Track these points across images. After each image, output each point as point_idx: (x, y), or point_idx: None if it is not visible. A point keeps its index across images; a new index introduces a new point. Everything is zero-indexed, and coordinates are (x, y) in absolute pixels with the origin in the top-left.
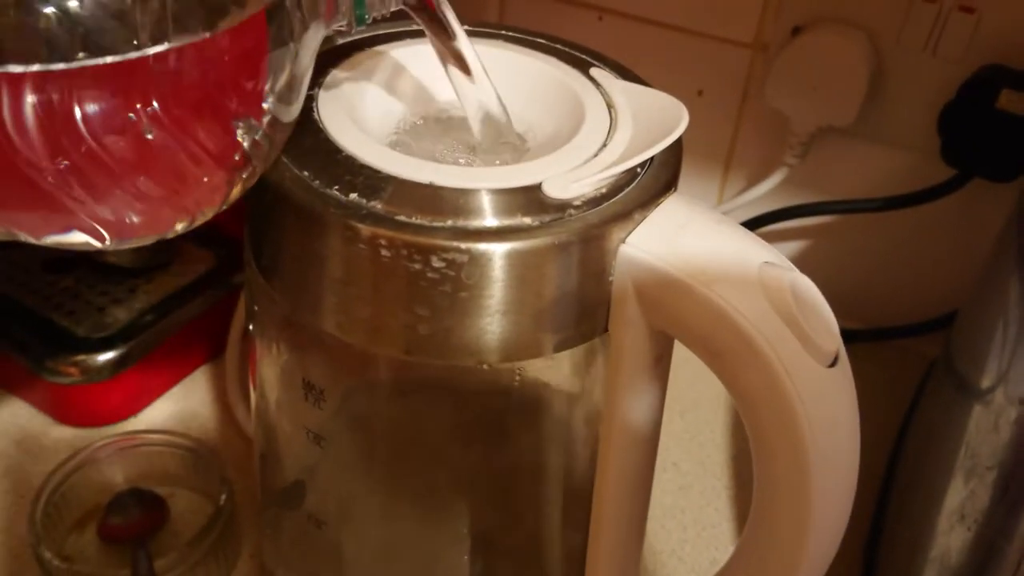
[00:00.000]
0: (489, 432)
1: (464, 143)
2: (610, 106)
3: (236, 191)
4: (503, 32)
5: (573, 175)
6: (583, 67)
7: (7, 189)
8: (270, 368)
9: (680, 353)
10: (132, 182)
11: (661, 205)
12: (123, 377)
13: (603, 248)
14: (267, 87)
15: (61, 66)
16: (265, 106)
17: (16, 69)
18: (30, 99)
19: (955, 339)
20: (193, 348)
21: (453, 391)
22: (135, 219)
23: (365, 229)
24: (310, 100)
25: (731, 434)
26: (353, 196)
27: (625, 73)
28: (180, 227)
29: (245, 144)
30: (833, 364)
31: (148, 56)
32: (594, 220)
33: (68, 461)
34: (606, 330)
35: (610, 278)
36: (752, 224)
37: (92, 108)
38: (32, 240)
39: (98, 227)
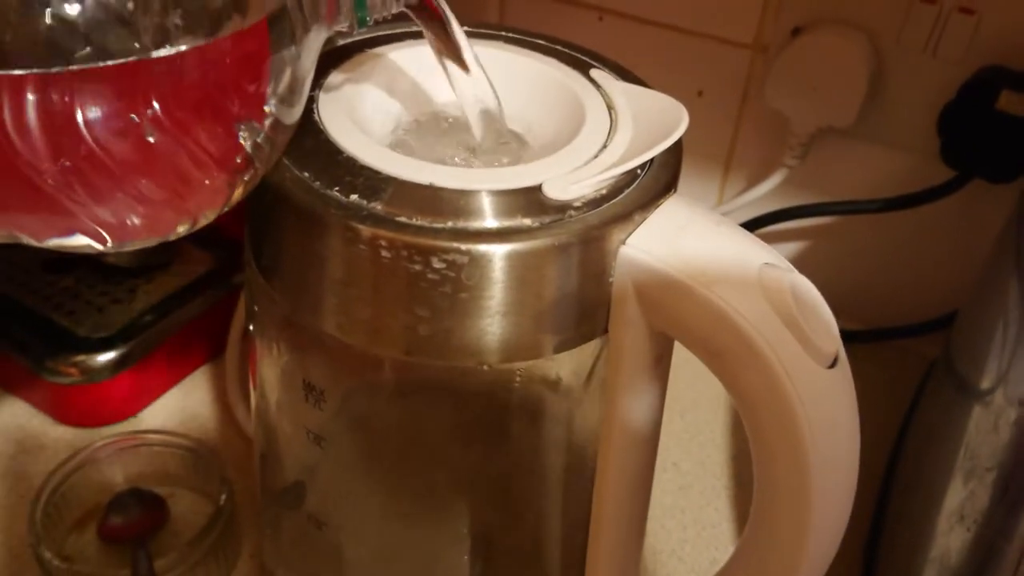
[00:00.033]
0: (489, 433)
1: (464, 144)
2: (610, 107)
3: (238, 193)
4: (503, 33)
5: (573, 176)
6: (583, 68)
7: (8, 192)
8: (270, 369)
9: (680, 353)
10: (134, 184)
11: (661, 206)
12: (123, 377)
13: (603, 249)
14: (269, 89)
15: (63, 70)
16: (267, 108)
17: (18, 72)
18: (31, 100)
19: (955, 340)
20: (193, 348)
21: (453, 392)
22: (136, 221)
23: (365, 230)
24: (311, 101)
25: (731, 434)
26: (354, 197)
27: (625, 74)
28: (182, 229)
29: (247, 146)
30: (833, 365)
31: (150, 59)
32: (594, 221)
33: (68, 461)
34: (606, 331)
35: (610, 279)
36: (752, 225)
37: (93, 110)
38: (34, 243)
39: (100, 230)
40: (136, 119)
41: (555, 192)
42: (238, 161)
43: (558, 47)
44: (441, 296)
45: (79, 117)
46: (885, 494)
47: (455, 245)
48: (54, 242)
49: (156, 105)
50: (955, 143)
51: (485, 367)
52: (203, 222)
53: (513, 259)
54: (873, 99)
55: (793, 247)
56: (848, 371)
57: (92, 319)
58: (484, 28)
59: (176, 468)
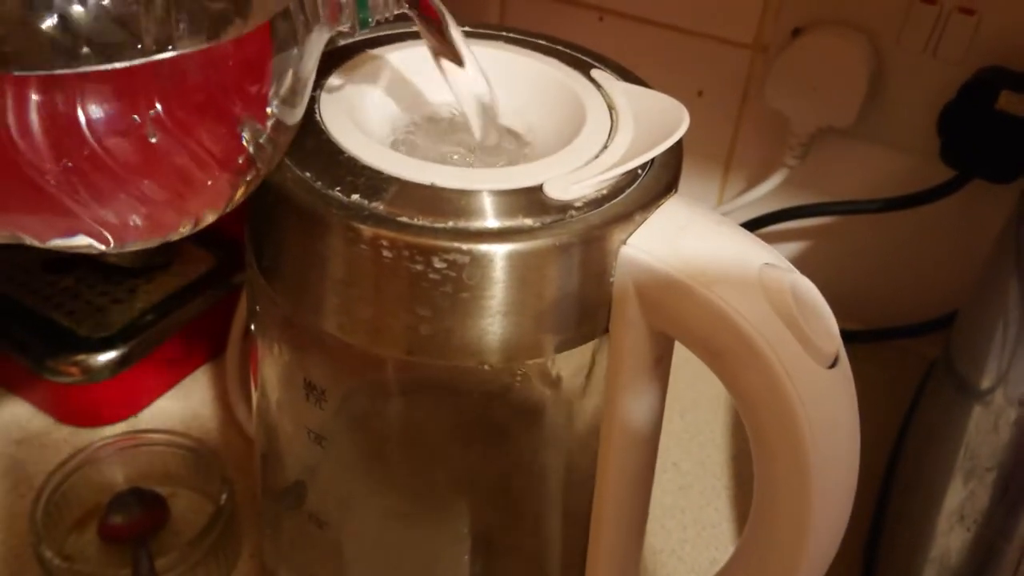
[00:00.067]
0: (490, 432)
1: (465, 144)
2: (611, 108)
3: (240, 194)
4: (504, 33)
5: (574, 176)
6: (584, 68)
7: (11, 192)
8: (271, 368)
9: (680, 353)
10: (136, 185)
11: (662, 206)
12: (124, 377)
13: (604, 249)
14: (271, 90)
15: (66, 72)
16: (269, 109)
17: (21, 73)
18: (34, 101)
19: (955, 340)
20: (193, 348)
21: (454, 392)
22: (139, 222)
23: (367, 230)
24: (312, 102)
25: (731, 434)
26: (355, 197)
27: (626, 74)
28: (184, 229)
29: (249, 147)
30: (833, 365)
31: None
32: (595, 221)
33: (69, 460)
34: (607, 331)
35: (611, 279)
36: (752, 225)
37: (96, 111)
38: (36, 243)
39: (102, 230)
40: (138, 120)
41: (556, 192)
42: (240, 162)
43: (559, 47)
44: (442, 296)
45: (82, 118)
46: (885, 494)
47: (456, 245)
48: (56, 242)
49: (159, 106)
50: (955, 143)
51: (486, 367)
52: (205, 222)
53: (514, 259)
54: (873, 99)
55: (793, 247)
56: (848, 371)
57: (93, 319)
58: (485, 28)
59: (177, 468)
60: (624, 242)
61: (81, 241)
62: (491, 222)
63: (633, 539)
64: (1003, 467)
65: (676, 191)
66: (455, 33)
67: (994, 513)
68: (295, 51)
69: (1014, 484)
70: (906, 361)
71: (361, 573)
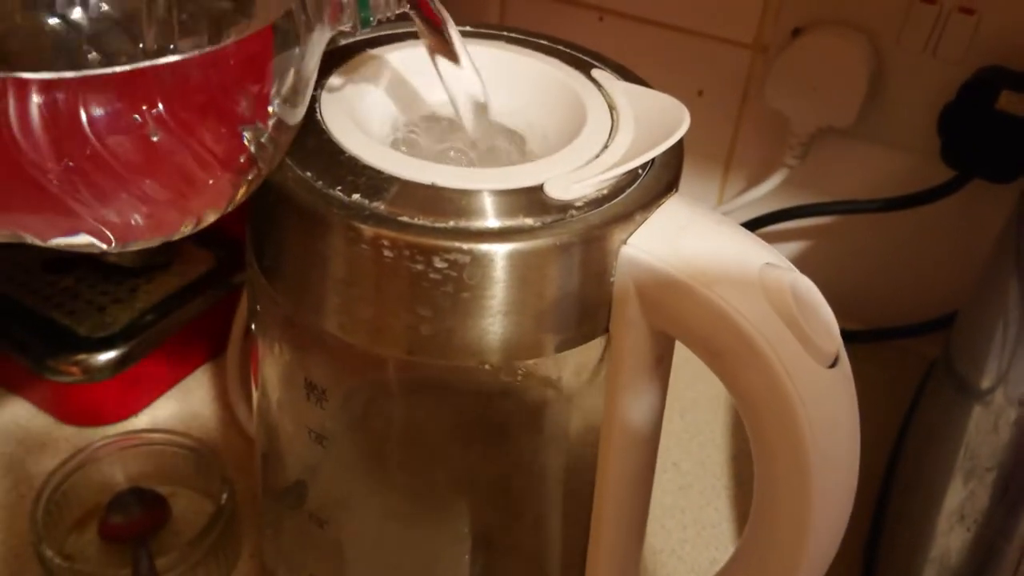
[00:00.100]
0: (490, 432)
1: (466, 143)
2: (611, 107)
3: (241, 193)
4: (504, 33)
5: (575, 176)
6: (584, 68)
7: (13, 192)
8: (272, 368)
9: (680, 353)
10: (138, 185)
11: (662, 206)
12: (124, 376)
13: (604, 249)
14: (273, 90)
15: (69, 75)
16: (271, 109)
17: (24, 76)
18: (36, 101)
19: (955, 340)
20: (194, 348)
21: (455, 391)
22: (141, 221)
23: (368, 230)
24: (313, 101)
25: (731, 434)
26: (356, 197)
27: (626, 74)
28: (186, 229)
29: (251, 147)
30: (833, 365)
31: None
32: (595, 221)
33: (69, 460)
34: (607, 331)
35: (611, 279)
36: (752, 225)
37: (98, 111)
38: (38, 242)
39: (104, 229)
40: (140, 119)
41: (557, 192)
42: (242, 161)
43: (559, 47)
44: (443, 296)
45: (83, 118)
46: (885, 494)
47: (457, 245)
48: (58, 241)
49: (160, 106)
50: (955, 143)
51: (487, 367)
52: (207, 222)
53: (515, 259)
54: (873, 99)
55: (793, 247)
56: (848, 371)
57: (93, 319)
58: (485, 28)
59: (177, 467)
60: (624, 242)
61: (83, 240)
62: (492, 222)
63: (633, 539)
64: (1003, 467)
65: (676, 191)
66: (453, 33)
67: (994, 513)
68: (297, 50)
69: (1014, 484)
70: (906, 361)
71: (361, 573)
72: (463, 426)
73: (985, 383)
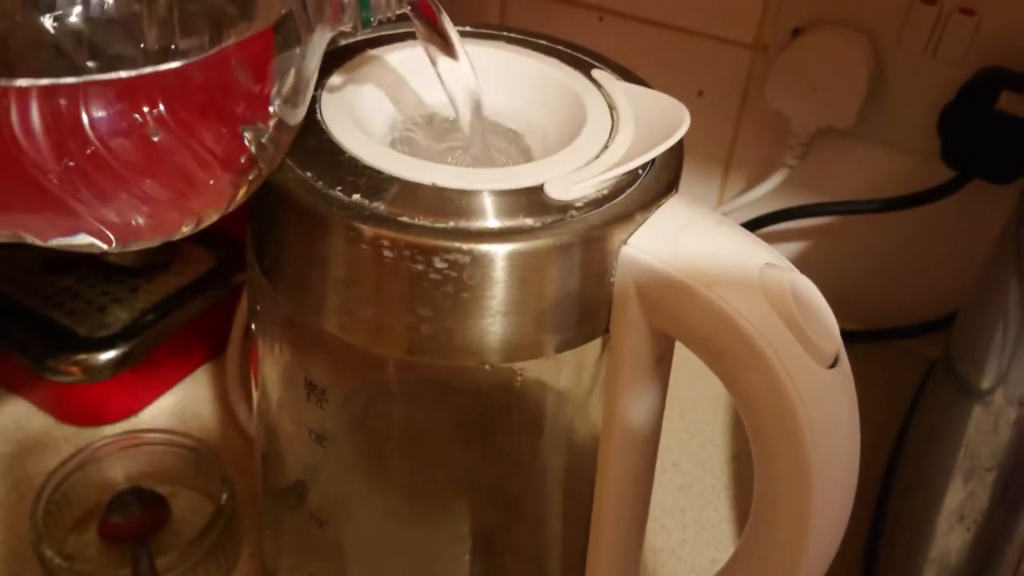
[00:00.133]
0: (490, 432)
1: (466, 143)
2: (612, 108)
3: (242, 194)
4: (504, 33)
5: (575, 176)
6: (585, 68)
7: (13, 191)
8: (272, 368)
9: (680, 353)
10: (138, 185)
11: (662, 206)
12: (124, 376)
13: (604, 249)
14: (273, 90)
15: (69, 80)
16: (271, 109)
17: (25, 83)
18: (36, 101)
19: (955, 340)
20: (194, 348)
21: (455, 391)
22: (141, 221)
23: (368, 230)
24: (313, 101)
25: (731, 434)
26: (356, 197)
27: (626, 74)
28: (186, 229)
29: (251, 147)
30: (833, 365)
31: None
32: (595, 221)
33: (69, 460)
34: (607, 331)
35: (611, 279)
36: (752, 225)
37: (98, 111)
38: (38, 242)
39: (104, 229)
40: (141, 120)
41: (557, 192)
42: (242, 162)
43: (559, 47)
44: (443, 296)
45: (84, 118)
46: (885, 494)
47: (457, 245)
48: (58, 242)
49: (161, 106)
50: (955, 144)
51: (487, 367)
52: (207, 222)
53: (515, 259)
54: (873, 99)
55: (793, 247)
56: (849, 371)
57: (93, 318)
58: (485, 28)
59: (177, 467)
60: (625, 242)
61: (83, 240)
62: (492, 222)
63: (633, 539)
64: (1003, 467)
65: (676, 191)
66: (450, 30)
67: (994, 513)
68: (297, 51)
69: (1014, 484)
70: (906, 361)
71: (361, 572)
72: (463, 426)
73: (985, 383)
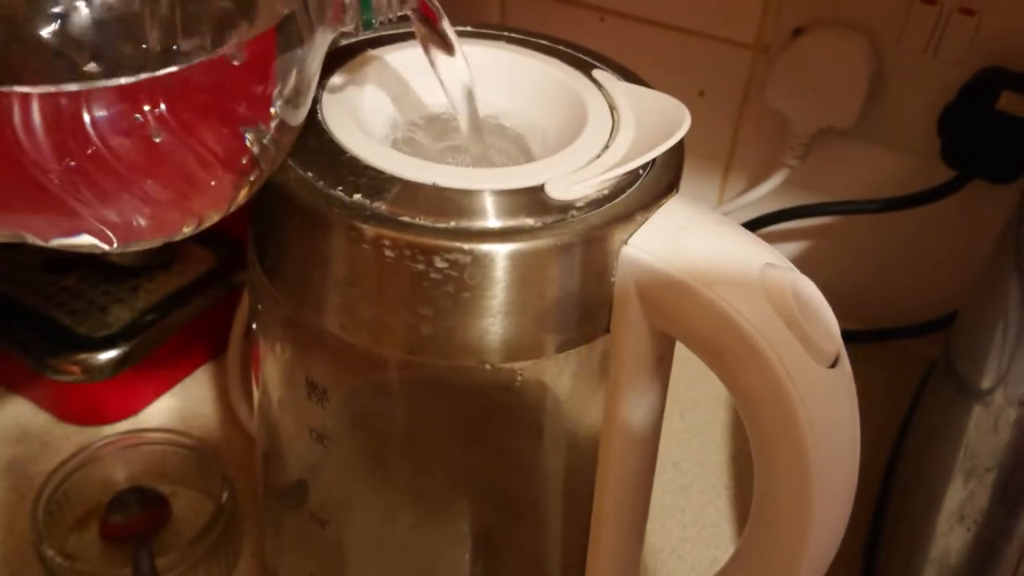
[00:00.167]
0: (491, 432)
1: (467, 143)
2: (612, 108)
3: (243, 194)
4: (505, 33)
5: (576, 176)
6: (585, 68)
7: (14, 191)
8: (273, 367)
9: (681, 353)
10: (139, 185)
11: (663, 206)
12: (125, 376)
13: (605, 249)
14: (275, 91)
15: (72, 87)
16: (273, 110)
17: (28, 90)
18: (38, 101)
19: (955, 340)
20: (194, 347)
21: (455, 391)
22: (142, 222)
23: (369, 230)
24: (314, 102)
25: (731, 434)
26: (357, 197)
27: (627, 75)
28: (187, 230)
29: (253, 148)
30: (834, 365)
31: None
32: (596, 221)
33: (70, 459)
34: (608, 331)
35: (612, 279)
36: (753, 225)
37: (99, 111)
38: (40, 242)
39: (105, 230)
40: (142, 120)
41: (557, 192)
42: (244, 162)
43: (560, 47)
44: (444, 295)
45: (85, 118)
46: (885, 494)
47: (458, 245)
48: (60, 242)
49: (162, 106)
50: (955, 144)
51: (487, 366)
52: (208, 223)
53: (515, 259)
54: (874, 100)
55: (794, 247)
56: (849, 371)
57: (94, 318)
58: (486, 28)
59: (178, 467)
60: (625, 242)
61: (84, 241)
62: (492, 222)
63: (633, 538)
64: (1003, 467)
65: (677, 191)
66: (451, 33)
67: (994, 513)
68: (299, 52)
69: (1014, 484)
70: (906, 361)
71: (362, 572)
72: (464, 426)
73: (985, 383)
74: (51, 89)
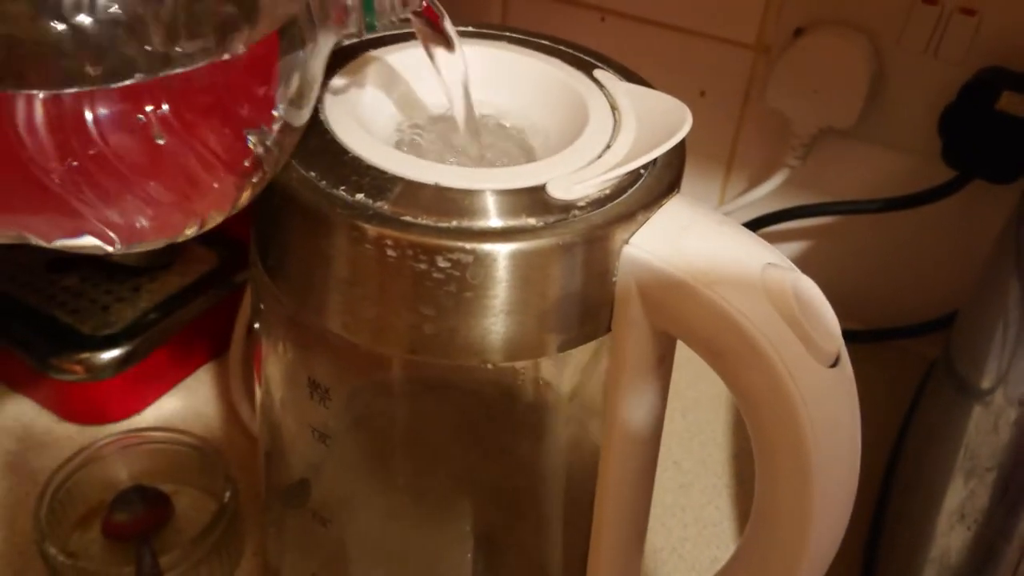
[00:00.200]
0: (492, 431)
1: (468, 143)
2: (614, 108)
3: (246, 196)
4: (506, 34)
5: (577, 176)
6: (587, 69)
7: (17, 192)
8: (275, 367)
9: (682, 353)
10: (142, 186)
11: (664, 206)
12: (127, 375)
13: (606, 249)
14: (278, 93)
15: (75, 90)
16: (276, 112)
17: (32, 93)
18: (40, 101)
19: (955, 340)
20: (196, 346)
21: (457, 391)
22: (145, 223)
23: (371, 229)
24: (316, 102)
25: (732, 433)
26: (359, 196)
27: (628, 75)
28: (190, 231)
29: (256, 150)
30: (834, 365)
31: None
32: (598, 221)
33: (73, 458)
34: (609, 330)
35: (613, 279)
36: (753, 225)
37: (102, 112)
38: (42, 243)
39: (108, 231)
40: (145, 121)
41: (559, 192)
42: (246, 164)
43: (561, 47)
44: (446, 295)
45: (88, 118)
46: (885, 494)
47: (460, 244)
48: (62, 243)
49: (165, 107)
50: (956, 144)
51: (489, 366)
52: (211, 224)
53: (517, 258)
54: (874, 100)
55: (794, 247)
56: (850, 371)
57: (96, 317)
58: (487, 28)
59: (180, 466)
60: (627, 242)
61: (87, 242)
62: (494, 222)
63: (634, 538)
64: (1003, 467)
65: (678, 191)
66: (453, 35)
67: (994, 513)
68: (302, 54)
69: (1014, 484)
70: (906, 361)
71: (364, 571)
72: (465, 425)
73: (985, 383)
74: (55, 93)
